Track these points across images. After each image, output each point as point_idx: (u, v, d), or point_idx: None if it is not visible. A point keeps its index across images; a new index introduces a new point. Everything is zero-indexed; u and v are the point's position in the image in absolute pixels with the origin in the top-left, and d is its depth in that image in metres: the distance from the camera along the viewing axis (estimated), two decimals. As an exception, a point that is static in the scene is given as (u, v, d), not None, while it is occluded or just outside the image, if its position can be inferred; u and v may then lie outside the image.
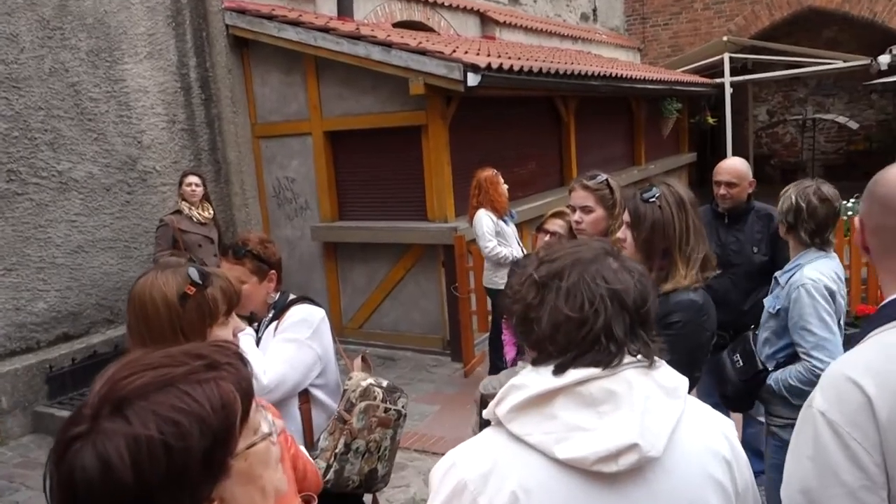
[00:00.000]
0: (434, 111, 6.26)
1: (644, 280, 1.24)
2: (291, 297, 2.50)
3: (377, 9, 8.82)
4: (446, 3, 9.98)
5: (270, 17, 6.67)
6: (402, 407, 2.47)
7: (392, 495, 4.23)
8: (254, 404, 0.95)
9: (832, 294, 2.67)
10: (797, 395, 2.64)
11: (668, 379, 1.19)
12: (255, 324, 2.40)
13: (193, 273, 1.60)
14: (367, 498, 2.52)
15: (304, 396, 2.38)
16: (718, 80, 12.89)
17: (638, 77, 9.51)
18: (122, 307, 6.23)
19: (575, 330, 1.16)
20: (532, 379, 1.16)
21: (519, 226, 6.14)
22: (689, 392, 2.14)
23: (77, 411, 0.84)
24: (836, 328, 2.65)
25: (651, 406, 1.13)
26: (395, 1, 9.09)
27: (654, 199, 2.15)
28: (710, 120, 13.68)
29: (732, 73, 12.91)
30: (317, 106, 6.86)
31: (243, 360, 0.95)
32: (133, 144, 6.37)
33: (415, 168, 6.55)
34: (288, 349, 2.29)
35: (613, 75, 8.53)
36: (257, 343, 2.35)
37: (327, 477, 2.25)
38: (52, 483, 0.81)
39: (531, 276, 1.25)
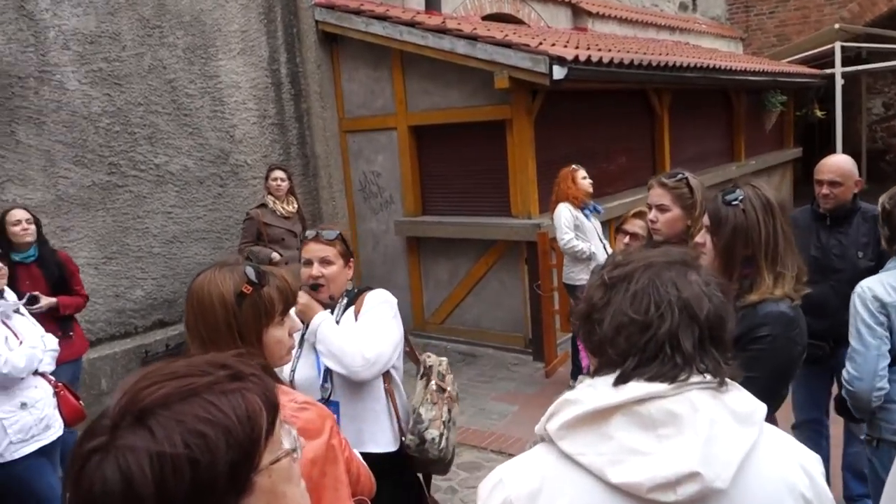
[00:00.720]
0: (519, 105, 6.14)
1: (722, 297, 1.12)
2: (359, 286, 2.55)
3: (466, 2, 8.75)
4: (537, -5, 9.80)
5: (358, 13, 6.72)
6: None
7: (466, 496, 4.18)
8: (279, 418, 0.90)
9: (884, 306, 2.52)
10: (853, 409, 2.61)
11: (741, 403, 1.07)
12: (330, 309, 2.42)
13: (250, 272, 1.58)
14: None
15: (387, 377, 2.43)
16: (828, 71, 12.10)
17: (738, 68, 9.04)
18: (212, 296, 6.44)
19: (637, 334, 1.08)
20: (587, 394, 1.07)
21: (608, 223, 5.95)
22: (776, 409, 1.98)
23: (95, 422, 0.80)
24: (872, 340, 2.53)
25: (718, 432, 1.01)
26: (485, -7, 9.00)
27: (737, 202, 1.97)
28: (819, 113, 12.88)
29: (845, 63, 12.09)
30: (402, 100, 6.86)
31: (268, 372, 0.89)
32: (226, 139, 6.57)
33: (499, 163, 6.46)
34: (381, 326, 2.35)
35: (711, 66, 8.13)
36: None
37: (441, 445, 2.38)
38: (71, 497, 0.77)
39: (601, 277, 1.19)
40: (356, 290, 2.49)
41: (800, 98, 12.91)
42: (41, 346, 3.05)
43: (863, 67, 12.84)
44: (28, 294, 3.92)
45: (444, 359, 2.62)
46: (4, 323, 2.97)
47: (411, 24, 6.36)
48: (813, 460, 1.14)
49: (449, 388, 2.49)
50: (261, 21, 6.81)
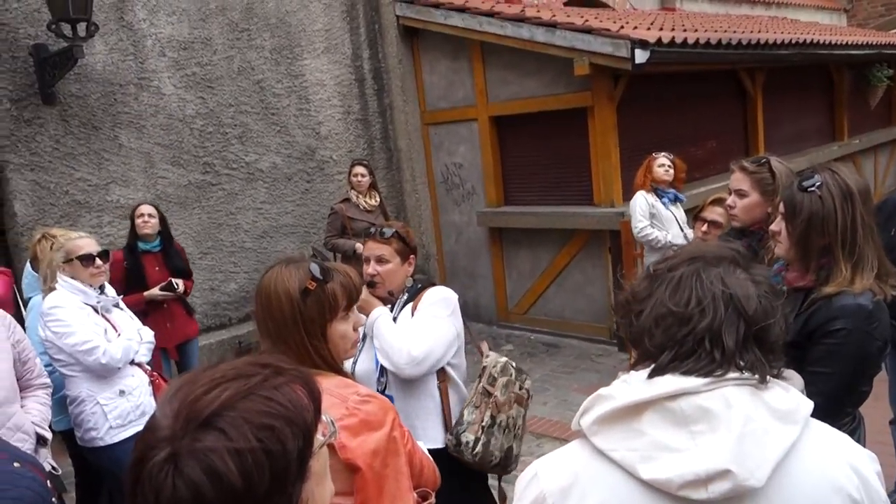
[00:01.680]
0: (600, 92, 6.03)
1: (772, 296, 1.08)
2: (420, 283, 2.57)
3: (547, -12, 8.64)
4: (621, -23, 9.56)
5: (437, 6, 6.76)
6: (529, 388, 2.56)
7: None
8: (322, 405, 0.95)
9: None
10: None
11: (782, 401, 1.04)
12: (390, 305, 2.47)
13: (315, 268, 1.64)
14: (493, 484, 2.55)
15: (442, 375, 2.45)
16: (943, 40, 11.24)
17: (837, 42, 8.53)
18: (302, 288, 6.67)
19: (676, 326, 1.07)
20: (620, 390, 1.07)
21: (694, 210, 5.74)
22: (857, 405, 1.88)
23: (148, 437, 0.83)
24: None
25: (754, 429, 0.99)
26: (566, -22, 8.85)
27: (814, 189, 1.88)
28: (932, 86, 11.98)
29: (962, 31, 11.22)
30: (483, 91, 6.87)
31: (331, 365, 0.94)
32: (312, 136, 6.77)
33: (581, 151, 6.37)
34: (433, 325, 2.37)
35: (806, 42, 7.71)
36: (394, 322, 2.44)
37: (476, 450, 2.34)
38: None
39: (647, 269, 1.18)
40: (418, 286, 2.52)
41: (911, 71, 12.05)
42: (137, 339, 3.25)
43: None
44: (170, 280, 4.54)
45: (504, 360, 2.52)
46: (104, 317, 3.19)
47: (490, 15, 6.35)
48: (865, 459, 1.09)
49: (497, 393, 2.41)
50: (343, 19, 6.96)
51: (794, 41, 7.48)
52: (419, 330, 2.34)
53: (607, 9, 9.16)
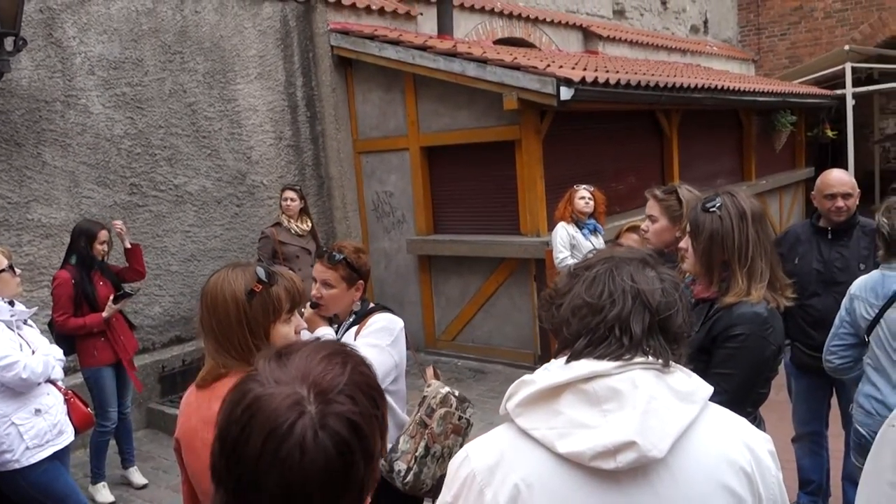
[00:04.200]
0: (528, 126, 6.29)
1: (674, 290, 1.23)
2: (371, 305, 2.62)
3: (478, 26, 8.96)
4: (548, 20, 10.00)
5: (372, 38, 6.93)
6: (470, 417, 2.56)
7: None
8: None
9: (851, 299, 2.94)
10: None
11: (683, 383, 1.18)
12: (336, 326, 2.53)
13: (261, 272, 1.72)
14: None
15: None
16: (839, 92, 12.17)
17: (747, 89, 9.15)
18: (229, 313, 6.59)
19: (589, 316, 1.20)
20: (541, 375, 1.19)
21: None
22: (756, 406, 2.07)
23: (277, 408, 0.91)
24: (836, 321, 3.03)
25: (656, 407, 1.12)
26: (497, 18, 9.20)
27: (714, 209, 2.10)
28: (830, 133, 12.92)
29: (856, 84, 12.16)
30: (415, 122, 7.04)
31: None
32: (243, 160, 6.77)
33: (508, 182, 6.60)
34: (370, 353, 2.38)
35: (719, 87, 8.25)
36: None
37: (406, 479, 2.35)
38: (295, 465, 0.89)
39: (569, 269, 1.33)
40: (368, 308, 2.57)
41: (811, 119, 12.97)
42: (53, 353, 3.18)
43: (874, 88, 12.88)
44: (115, 293, 4.55)
45: (445, 390, 2.50)
46: (16, 332, 3.12)
47: (423, 48, 6.55)
48: (759, 439, 1.22)
49: (433, 425, 2.41)
50: (278, 46, 7.04)
51: (707, 86, 7.99)
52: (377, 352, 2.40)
53: (534, 49, 9.55)
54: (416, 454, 2.38)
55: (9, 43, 4.74)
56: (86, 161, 5.66)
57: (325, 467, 0.89)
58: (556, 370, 1.18)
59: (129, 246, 4.91)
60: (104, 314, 4.37)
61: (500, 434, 1.22)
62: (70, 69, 5.56)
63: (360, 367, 1.00)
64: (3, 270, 3.10)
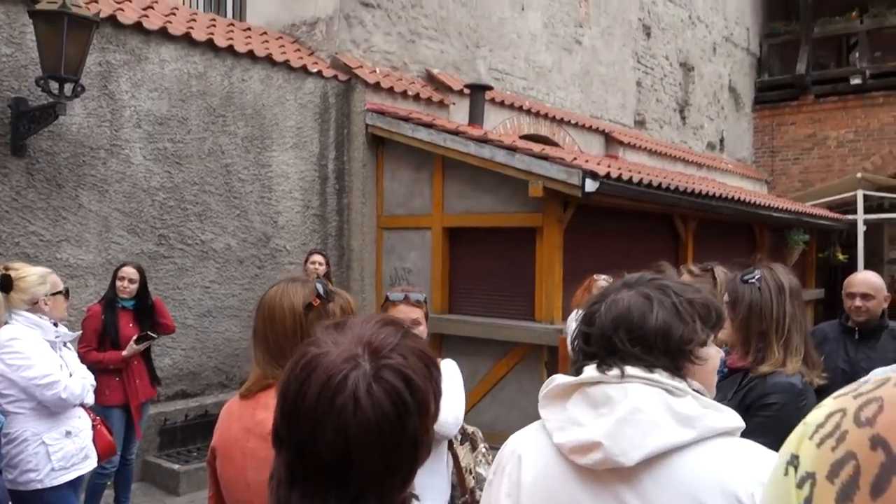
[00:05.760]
0: (551, 214, 6.46)
1: (674, 310, 1.31)
2: None
3: (506, 121, 9.31)
4: (572, 122, 10.39)
5: (407, 119, 7.22)
6: None
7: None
8: None
9: None
10: None
11: (687, 407, 1.23)
12: None
13: (319, 287, 1.79)
14: None
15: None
16: (851, 217, 12.43)
17: (762, 203, 9.38)
18: (237, 373, 6.58)
19: (602, 338, 1.33)
20: (563, 376, 1.34)
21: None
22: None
23: (333, 361, 0.97)
24: None
25: (640, 419, 1.19)
26: (524, 115, 9.58)
27: (753, 281, 2.17)
28: (841, 256, 13.09)
29: (867, 212, 12.44)
30: (440, 202, 7.23)
31: None
32: (269, 223, 6.93)
33: (527, 268, 6.70)
34: (457, 392, 2.55)
35: (735, 198, 8.47)
36: None
37: None
38: (361, 405, 0.93)
39: (599, 291, 1.49)
40: None
41: (822, 240, 13.18)
42: (89, 379, 3.22)
43: (885, 216, 13.15)
44: (139, 334, 4.66)
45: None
46: (58, 353, 3.16)
47: (455, 133, 6.82)
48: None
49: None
50: (316, 120, 7.33)
51: (724, 195, 8.21)
52: (450, 394, 2.49)
53: (558, 147, 9.88)
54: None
55: (68, 88, 4.99)
56: (120, 208, 5.82)
57: (379, 418, 0.92)
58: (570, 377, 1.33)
59: (150, 303, 5.00)
60: (124, 353, 4.40)
61: (531, 425, 1.40)
62: (118, 120, 5.81)
63: (412, 336, 1.05)
64: (59, 292, 3.18)
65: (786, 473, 0.58)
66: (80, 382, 3.08)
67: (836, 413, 0.57)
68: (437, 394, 1.02)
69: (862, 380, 0.58)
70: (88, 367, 4.35)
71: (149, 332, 4.71)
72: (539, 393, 1.36)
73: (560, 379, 1.33)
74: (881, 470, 0.50)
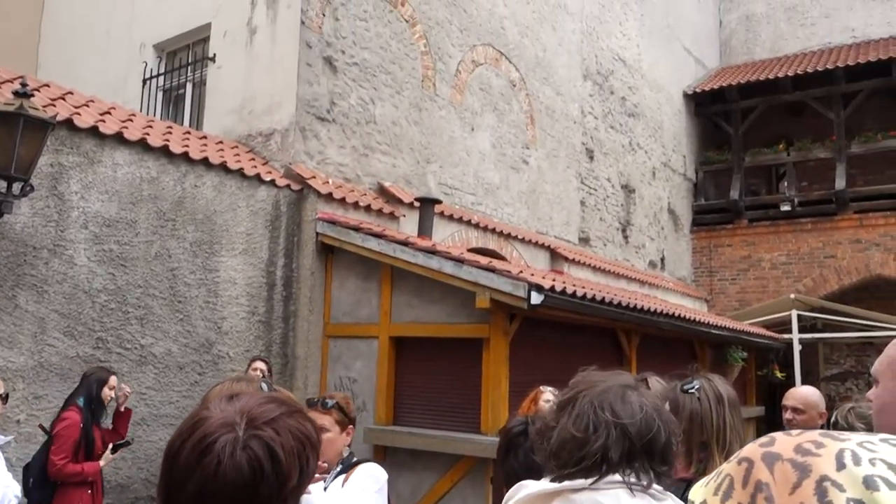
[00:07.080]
0: (497, 325, 6.52)
1: (653, 414, 1.35)
2: (355, 458, 2.66)
3: (455, 234, 9.53)
4: (519, 237, 10.69)
5: (357, 229, 7.34)
6: None
7: None
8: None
9: None
10: None
11: None
12: (324, 475, 2.53)
13: (264, 387, 1.79)
14: None
15: None
16: (786, 336, 12.86)
17: (702, 320, 9.66)
18: (168, 486, 6.24)
19: (576, 449, 1.32)
20: (536, 483, 1.33)
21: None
22: None
23: (211, 425, 1.06)
24: None
25: None
26: (472, 229, 9.83)
27: (693, 391, 2.23)
28: (780, 374, 13.43)
29: (802, 331, 12.90)
30: (387, 312, 7.24)
31: None
32: (213, 329, 6.81)
33: (473, 379, 6.68)
34: (360, 498, 2.48)
35: (677, 315, 8.72)
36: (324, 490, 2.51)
37: None
38: (218, 474, 1.02)
39: (555, 401, 1.45)
40: (353, 461, 2.63)
41: (760, 358, 13.53)
42: (13, 488, 3.04)
43: (818, 336, 13.67)
44: (112, 443, 4.67)
45: None
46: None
47: (404, 244, 6.94)
48: None
49: None
50: (266, 227, 7.39)
51: (665, 312, 8.45)
52: (348, 501, 2.43)
53: (505, 261, 10.10)
54: None
55: (16, 188, 4.97)
56: (58, 309, 5.67)
57: (236, 480, 1.02)
58: (547, 483, 1.29)
59: (122, 410, 5.01)
60: (101, 463, 4.21)
61: None
62: (65, 221, 5.76)
63: (297, 416, 1.12)
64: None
65: None
66: (1, 491, 2.91)
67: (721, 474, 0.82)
68: (305, 471, 1.10)
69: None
70: (62, 481, 4.14)
71: (126, 439, 4.67)
72: (505, 500, 1.33)
73: (533, 486, 1.31)
74: (745, 473, 0.76)
